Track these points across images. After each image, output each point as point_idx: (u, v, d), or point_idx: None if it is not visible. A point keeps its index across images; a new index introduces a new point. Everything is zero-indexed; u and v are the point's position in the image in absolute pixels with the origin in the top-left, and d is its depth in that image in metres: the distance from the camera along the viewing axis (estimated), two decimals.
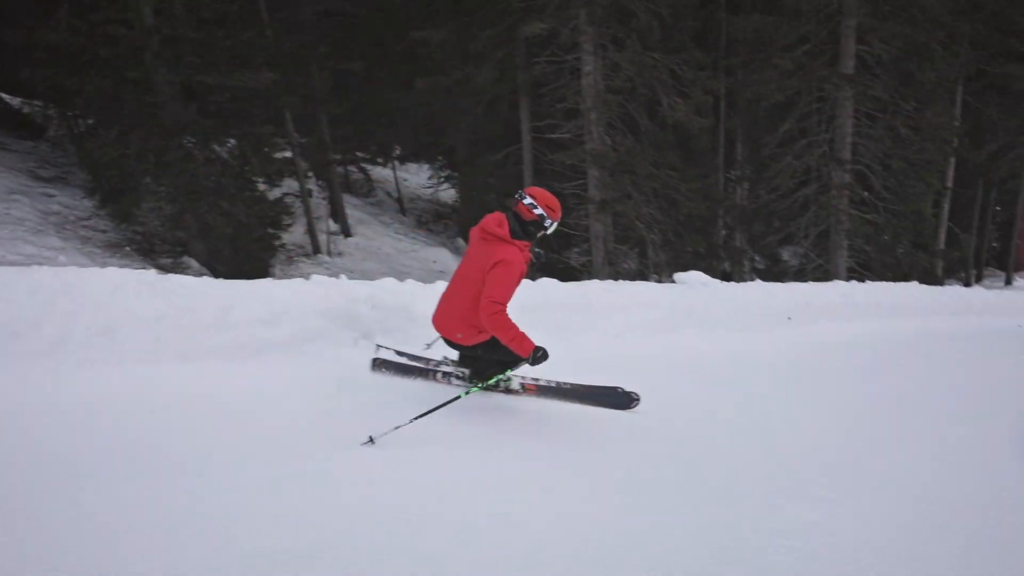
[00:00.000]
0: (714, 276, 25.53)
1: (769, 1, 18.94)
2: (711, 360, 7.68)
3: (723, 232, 25.11)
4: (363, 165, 28.02)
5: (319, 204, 24.14)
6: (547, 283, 8.61)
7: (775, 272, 22.03)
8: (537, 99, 19.26)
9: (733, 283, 9.79)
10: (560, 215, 5.46)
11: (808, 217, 19.38)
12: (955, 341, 10.88)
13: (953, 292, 13.68)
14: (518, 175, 21.12)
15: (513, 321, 5.09)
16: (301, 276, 21.11)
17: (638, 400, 5.88)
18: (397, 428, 4.67)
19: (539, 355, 5.02)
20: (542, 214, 5.31)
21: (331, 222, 23.70)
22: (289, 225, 20.88)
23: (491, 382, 5.57)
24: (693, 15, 18.61)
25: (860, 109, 18.14)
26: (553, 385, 6.00)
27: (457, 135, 23.33)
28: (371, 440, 4.60)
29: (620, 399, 5.89)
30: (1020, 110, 32.34)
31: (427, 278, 22.38)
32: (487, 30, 17.71)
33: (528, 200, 5.35)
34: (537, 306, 7.35)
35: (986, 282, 35.80)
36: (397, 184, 28.53)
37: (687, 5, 17.56)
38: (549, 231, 5.42)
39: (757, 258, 24.64)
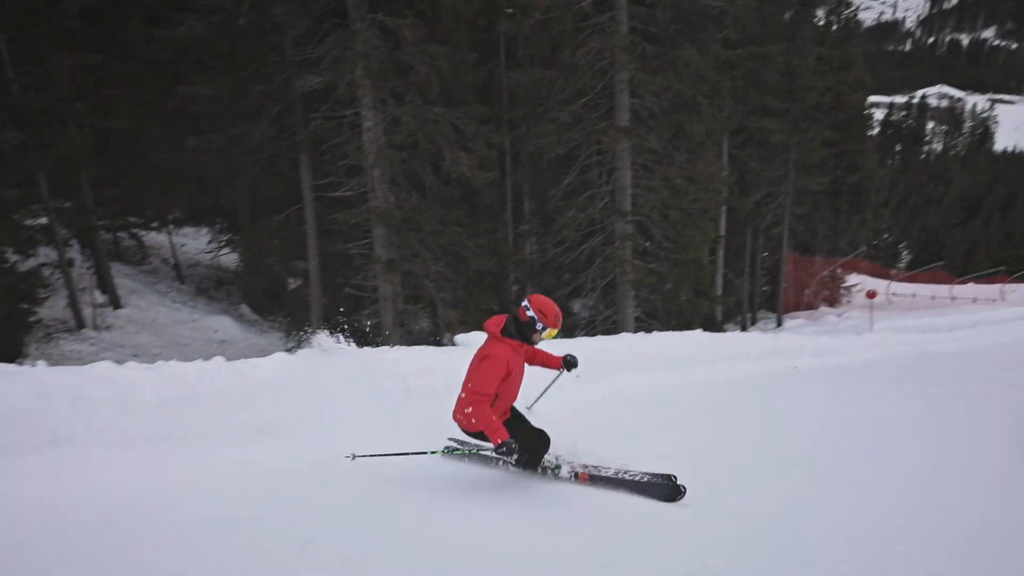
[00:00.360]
0: None
1: (547, 56, 19.27)
2: None
3: (515, 287, 25.20)
4: (135, 231, 26.00)
5: (83, 274, 22.15)
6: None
7: (567, 325, 22.18)
8: (318, 156, 18.54)
9: None
10: (553, 320, 5.92)
11: (595, 269, 19.66)
12: (738, 388, 11.04)
13: (732, 338, 14.09)
14: (301, 236, 20.23)
15: (489, 411, 5.63)
16: (62, 354, 19.38)
17: (684, 493, 5.88)
18: (379, 456, 5.98)
19: (505, 448, 5.48)
20: (533, 316, 5.86)
21: (98, 293, 21.76)
22: (46, 299, 18.98)
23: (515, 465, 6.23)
24: (473, 69, 18.63)
25: (637, 161, 18.68)
26: (607, 475, 6.12)
27: (236, 196, 22.16)
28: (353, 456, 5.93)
29: (668, 491, 5.90)
30: (778, 162, 35.06)
31: (208, 349, 21.01)
32: (261, 85, 16.88)
33: (525, 303, 5.97)
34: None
35: (760, 324, 38.05)
36: (173, 250, 26.74)
37: (466, 60, 17.53)
38: (542, 335, 5.95)
39: None
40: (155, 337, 21.71)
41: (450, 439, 6.78)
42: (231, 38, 17.34)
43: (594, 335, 16.88)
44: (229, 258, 27.89)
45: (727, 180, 22.70)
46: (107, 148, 21.82)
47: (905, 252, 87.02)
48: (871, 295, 28.35)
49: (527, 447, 5.97)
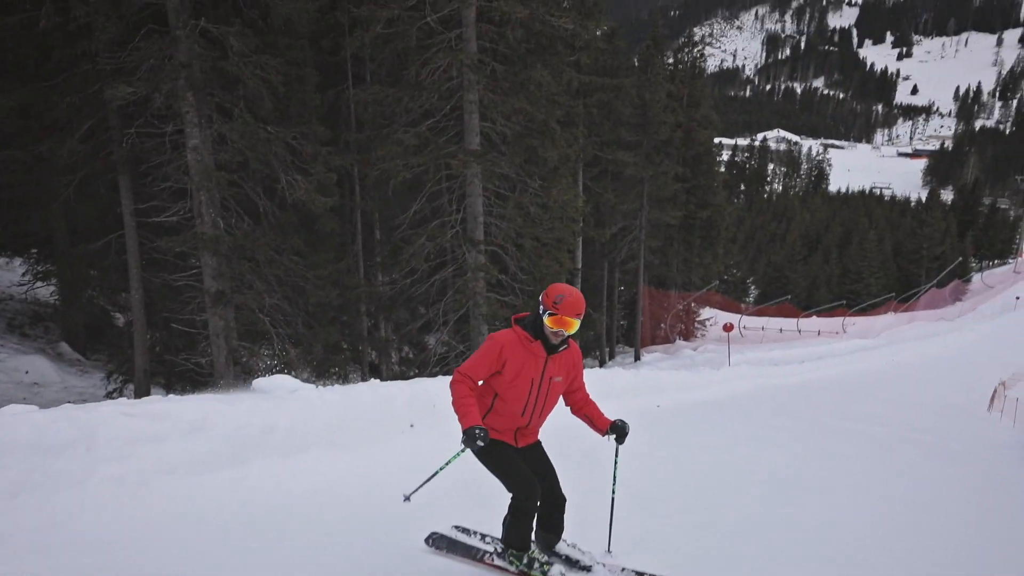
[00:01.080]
0: (362, 368, 24.50)
1: (392, 74, 18.16)
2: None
3: (368, 322, 23.78)
4: None
5: None
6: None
7: (420, 361, 20.96)
8: (140, 178, 16.70)
9: (340, 387, 8.08)
10: (552, 303, 4.80)
11: (447, 302, 18.57)
12: (593, 434, 10.21)
13: (595, 376, 13.24)
14: (122, 265, 18.22)
15: (466, 392, 4.78)
16: None
17: None
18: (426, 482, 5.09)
19: (472, 434, 4.55)
20: (539, 300, 4.91)
21: None
22: None
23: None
24: (316, 90, 17.32)
25: (489, 187, 17.76)
26: None
27: (49, 222, 19.88)
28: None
29: None
30: (632, 195, 35.23)
31: (15, 392, 18.64)
32: (69, 96, 15.01)
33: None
34: None
35: (619, 358, 37.99)
36: None
37: (304, 78, 16.21)
38: (547, 323, 4.83)
39: (406, 348, 23.57)
40: None
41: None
42: (34, 43, 15.37)
43: (449, 373, 15.71)
44: (47, 291, 25.28)
45: (582, 209, 22.11)
46: None
47: (753, 287, 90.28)
48: (728, 328, 28.46)
49: (513, 500, 4.93)
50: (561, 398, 5.18)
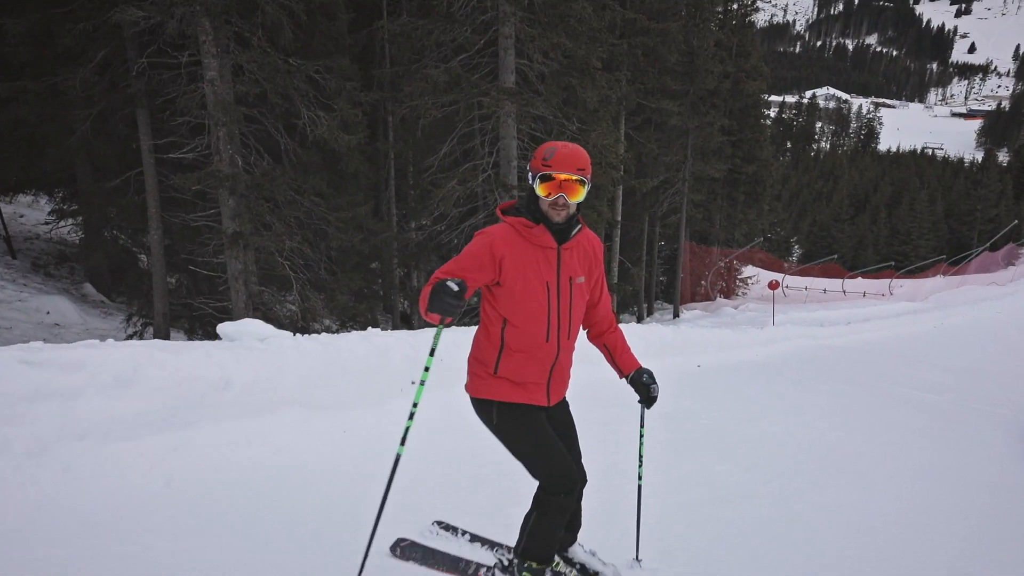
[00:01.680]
0: (393, 318, 23.79)
1: (424, 5, 17.05)
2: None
3: (401, 271, 22.99)
4: None
5: None
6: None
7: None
8: (158, 112, 15.95)
9: (324, 336, 6.94)
10: (541, 160, 3.53)
11: None
12: (632, 394, 9.24)
13: (630, 331, 12.32)
14: (142, 205, 17.57)
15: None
16: None
17: None
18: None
19: (439, 293, 3.29)
20: (527, 169, 3.65)
21: None
22: None
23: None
24: (346, 22, 16.32)
25: (524, 129, 16.70)
26: None
27: (71, 159, 19.24)
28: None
29: None
30: (676, 146, 33.91)
31: (35, 334, 18.18)
32: (82, 22, 14.18)
33: None
34: None
35: (657, 315, 37.01)
36: (3, 221, 23.52)
37: (329, 6, 15.20)
38: (536, 188, 3.55)
39: None
40: None
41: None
42: None
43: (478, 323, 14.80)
44: (74, 231, 24.85)
45: (623, 156, 20.96)
46: None
47: (796, 246, 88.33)
48: (773, 286, 27.26)
49: (542, 491, 3.70)
50: None
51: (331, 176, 16.23)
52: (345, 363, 6.35)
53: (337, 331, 15.73)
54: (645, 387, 4.05)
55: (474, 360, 3.78)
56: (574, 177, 3.46)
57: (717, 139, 35.82)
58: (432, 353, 3.71)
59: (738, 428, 7.75)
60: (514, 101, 15.75)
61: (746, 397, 9.76)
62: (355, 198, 16.68)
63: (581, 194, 3.51)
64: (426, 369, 3.73)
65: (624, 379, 4.12)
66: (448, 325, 3.64)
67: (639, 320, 33.75)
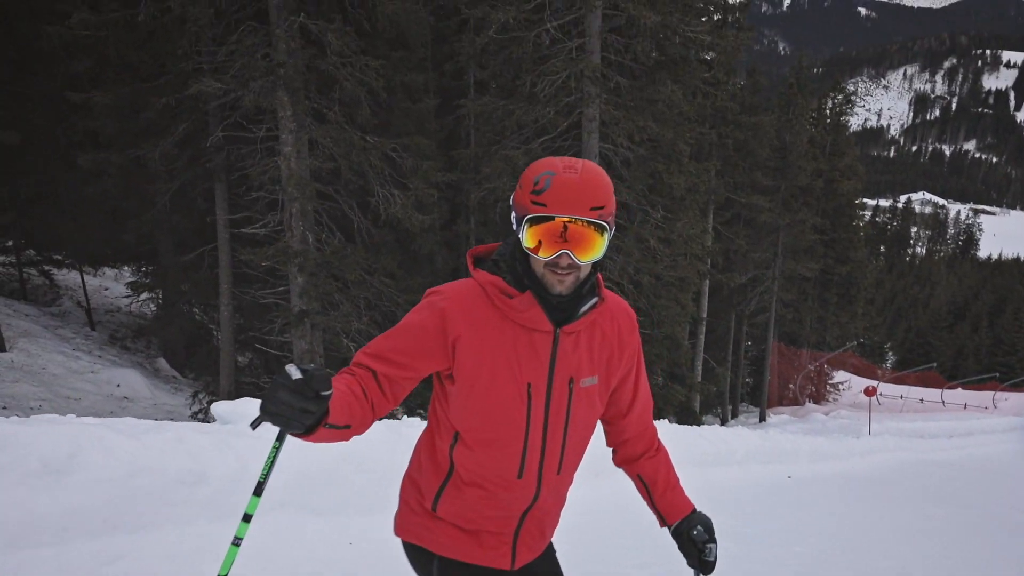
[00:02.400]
0: None
1: (506, 85, 16.68)
2: None
3: None
4: (46, 268, 23.17)
5: None
6: None
7: None
8: (235, 187, 15.84)
9: None
10: (538, 190, 2.11)
11: None
12: (719, 505, 8.05)
13: (713, 434, 11.19)
14: (215, 280, 17.38)
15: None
16: None
17: None
18: None
19: (271, 388, 1.92)
20: (511, 204, 2.28)
21: None
22: None
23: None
24: (422, 93, 16.07)
25: None
26: None
27: (150, 232, 19.32)
28: None
29: None
30: (766, 243, 32.81)
31: (103, 406, 17.97)
32: (165, 96, 14.21)
33: None
34: None
35: (742, 418, 35.47)
36: (85, 291, 23.79)
37: (409, 84, 14.95)
38: (523, 233, 2.16)
39: None
40: (39, 388, 18.61)
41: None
42: (136, 42, 14.73)
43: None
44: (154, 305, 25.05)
45: (710, 248, 20.04)
46: (6, 167, 19.18)
47: (891, 352, 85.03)
48: (870, 393, 25.63)
49: None
50: (599, 426, 2.57)
51: (403, 257, 15.76)
52: (362, 457, 5.24)
53: (401, 419, 15.03)
54: (696, 547, 2.55)
55: (408, 482, 2.51)
56: (585, 220, 2.07)
57: (809, 237, 34.64)
58: (258, 491, 2.29)
59: (843, 559, 6.45)
60: None
61: (846, 518, 8.48)
62: (426, 280, 16.13)
63: (598, 248, 2.13)
64: (245, 519, 2.39)
65: (666, 528, 2.66)
66: (280, 440, 2.16)
67: (723, 423, 32.22)
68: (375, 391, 2.18)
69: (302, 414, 1.86)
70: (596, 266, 2.26)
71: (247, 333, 17.23)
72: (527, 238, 2.11)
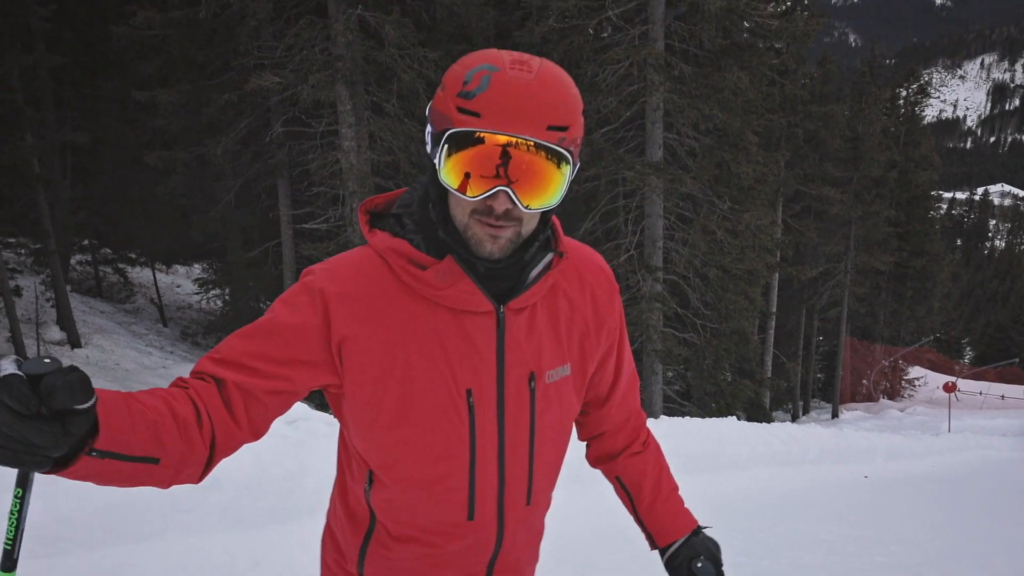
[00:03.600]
0: None
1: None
2: None
3: None
4: (120, 266, 23.70)
5: (42, 307, 19.75)
6: None
7: None
8: (297, 183, 15.93)
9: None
10: (468, 93, 1.30)
11: None
12: (788, 509, 7.65)
13: (784, 432, 10.72)
14: (279, 276, 17.51)
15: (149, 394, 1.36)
16: None
17: None
18: None
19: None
20: (427, 117, 1.45)
21: (56, 329, 19.27)
22: None
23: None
24: None
25: (671, 208, 15.61)
26: None
27: (215, 229, 19.57)
28: None
29: None
30: (838, 236, 31.92)
31: None
32: (227, 93, 14.32)
33: None
34: None
35: (813, 414, 34.63)
36: (157, 288, 24.26)
37: None
38: (440, 165, 1.35)
39: None
40: (112, 383, 18.99)
41: None
42: (199, 39, 14.89)
43: None
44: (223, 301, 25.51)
45: (779, 241, 19.48)
46: (80, 168, 19.69)
47: (968, 348, 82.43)
48: (949, 388, 24.69)
49: None
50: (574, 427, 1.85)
51: None
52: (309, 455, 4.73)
53: None
54: (712, 549, 1.87)
55: (327, 537, 1.83)
56: (536, 143, 1.32)
57: (883, 230, 33.63)
58: (7, 564, 1.27)
59: (931, 572, 5.94)
60: (660, 176, 14.70)
61: (930, 524, 7.94)
62: None
63: (555, 189, 1.38)
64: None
65: (657, 551, 1.92)
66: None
67: (794, 419, 31.46)
68: (219, 410, 1.42)
69: (26, 447, 1.09)
70: (545, 218, 1.52)
71: None
72: (446, 168, 1.35)
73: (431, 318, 1.49)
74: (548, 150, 1.32)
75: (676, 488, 1.96)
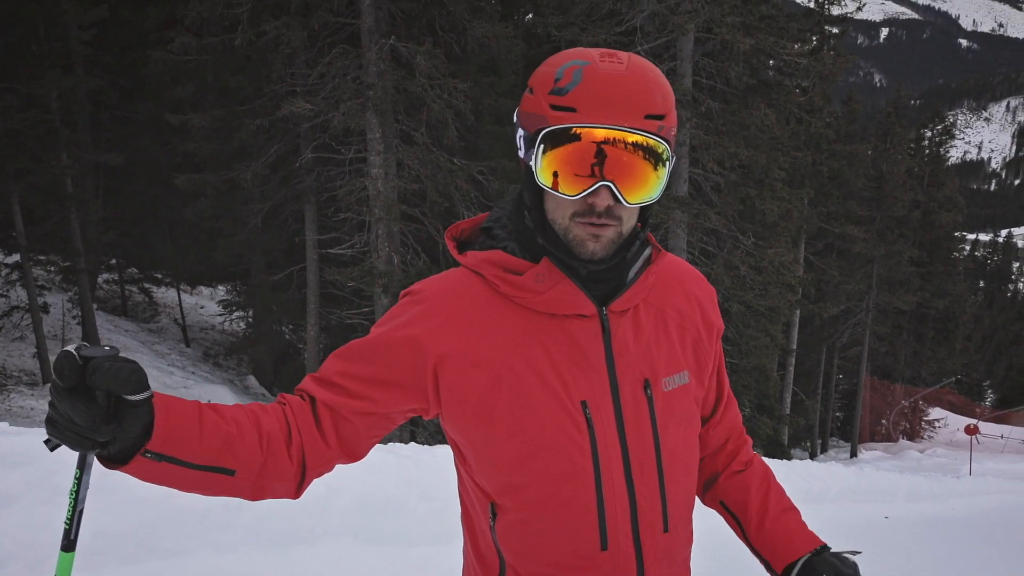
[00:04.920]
0: None
1: None
2: None
3: None
4: (146, 285, 23.96)
5: (69, 324, 20.01)
6: None
7: None
8: (324, 208, 16.13)
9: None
10: (561, 89, 1.31)
11: None
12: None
13: (804, 470, 10.71)
14: (302, 300, 17.66)
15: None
16: (9, 409, 16.99)
17: None
18: None
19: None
20: (515, 120, 1.45)
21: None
22: None
23: None
24: (511, 117, 16.14)
25: (695, 242, 15.67)
26: None
27: (241, 251, 19.80)
28: None
29: None
30: (860, 275, 31.82)
31: None
32: (259, 119, 14.58)
33: None
34: None
35: (832, 452, 34.36)
36: (181, 308, 24.48)
37: (497, 108, 15.02)
38: (532, 163, 1.36)
39: None
40: None
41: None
42: (233, 66, 15.20)
43: None
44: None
45: (802, 278, 19.47)
46: (112, 188, 20.01)
47: (990, 391, 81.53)
48: (971, 431, 24.43)
49: None
50: None
51: None
52: (427, 485, 4.85)
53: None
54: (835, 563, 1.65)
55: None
56: (634, 138, 1.30)
57: (905, 270, 33.50)
58: (66, 545, 1.36)
59: None
60: (685, 211, 14.79)
61: (952, 566, 7.92)
62: None
63: (656, 182, 1.36)
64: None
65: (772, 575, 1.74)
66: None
67: (812, 457, 31.22)
68: (310, 428, 1.44)
69: (67, 424, 1.16)
70: (644, 217, 1.50)
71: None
72: (543, 167, 1.34)
73: (534, 327, 1.44)
74: (646, 143, 1.30)
75: (792, 508, 1.79)
